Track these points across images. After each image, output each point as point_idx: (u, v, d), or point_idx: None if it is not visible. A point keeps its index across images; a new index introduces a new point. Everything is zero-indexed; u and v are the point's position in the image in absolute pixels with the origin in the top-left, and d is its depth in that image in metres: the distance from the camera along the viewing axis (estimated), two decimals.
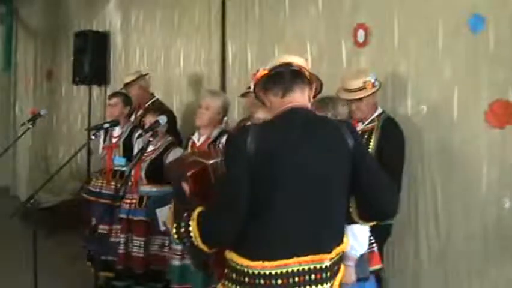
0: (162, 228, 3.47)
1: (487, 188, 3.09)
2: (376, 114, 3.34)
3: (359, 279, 2.62)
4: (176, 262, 3.49)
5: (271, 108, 2.05)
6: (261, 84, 2.08)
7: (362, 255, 2.64)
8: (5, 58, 8.68)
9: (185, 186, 2.14)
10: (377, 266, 2.84)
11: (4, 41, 8.64)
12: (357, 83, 3.23)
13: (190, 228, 1.95)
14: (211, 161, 2.22)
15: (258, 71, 2.14)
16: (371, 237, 2.78)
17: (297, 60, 2.06)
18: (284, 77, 2.00)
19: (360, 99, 3.23)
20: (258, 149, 1.86)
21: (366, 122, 3.33)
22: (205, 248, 1.96)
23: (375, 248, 2.85)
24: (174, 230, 2.04)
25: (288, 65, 2.02)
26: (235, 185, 1.89)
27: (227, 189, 1.93)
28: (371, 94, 3.24)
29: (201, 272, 2.96)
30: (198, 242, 1.94)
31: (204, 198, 2.02)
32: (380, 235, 2.98)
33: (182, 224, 1.99)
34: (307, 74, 2.03)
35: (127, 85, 4.86)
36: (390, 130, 3.26)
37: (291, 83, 2.00)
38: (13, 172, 8.53)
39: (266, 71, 2.04)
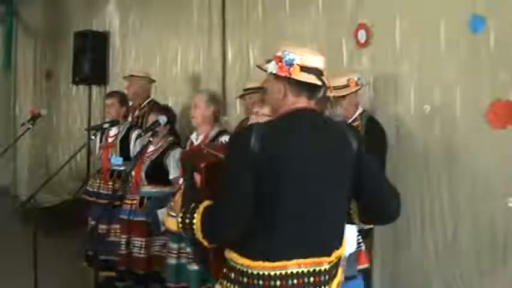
0: (162, 229, 3.46)
1: (491, 187, 3.10)
2: (358, 113, 3.43)
3: (346, 278, 2.63)
4: (172, 261, 3.49)
5: (281, 102, 1.98)
6: (291, 82, 1.94)
7: (350, 254, 2.62)
8: (5, 58, 8.65)
9: (197, 177, 2.11)
10: (365, 265, 2.87)
11: (4, 41, 8.61)
12: (341, 81, 3.32)
13: (194, 221, 1.93)
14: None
15: (282, 57, 1.90)
16: (359, 237, 2.81)
17: (321, 65, 1.96)
18: (315, 91, 1.94)
19: (344, 96, 3.31)
20: (262, 148, 1.83)
21: (349, 121, 3.39)
22: (205, 243, 1.94)
23: (363, 247, 2.87)
24: (180, 219, 2.01)
25: (320, 73, 1.93)
26: (238, 185, 1.85)
27: (230, 189, 1.88)
28: (354, 92, 3.34)
29: (202, 267, 2.94)
30: (199, 236, 1.92)
31: (214, 191, 1.98)
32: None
33: (188, 215, 1.97)
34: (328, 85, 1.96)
35: (130, 77, 4.86)
36: (373, 129, 3.34)
37: (317, 94, 1.96)
38: (13, 172, 8.51)
39: (299, 74, 1.91)
